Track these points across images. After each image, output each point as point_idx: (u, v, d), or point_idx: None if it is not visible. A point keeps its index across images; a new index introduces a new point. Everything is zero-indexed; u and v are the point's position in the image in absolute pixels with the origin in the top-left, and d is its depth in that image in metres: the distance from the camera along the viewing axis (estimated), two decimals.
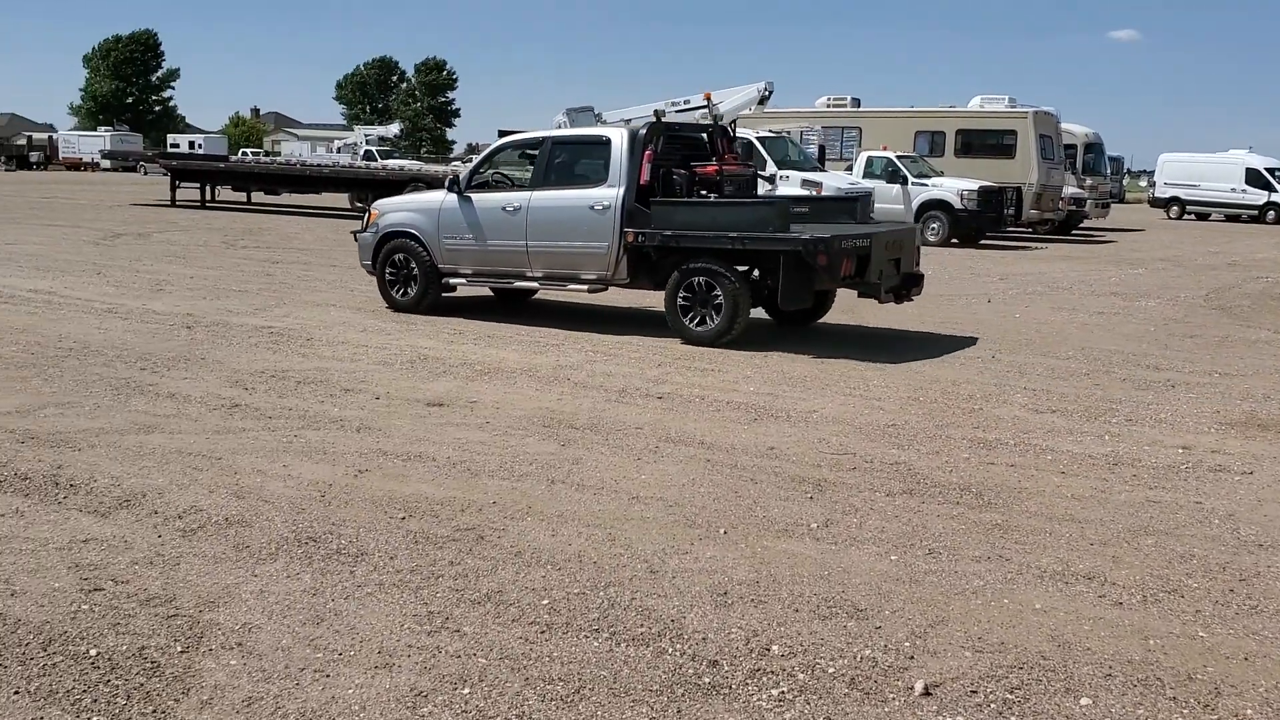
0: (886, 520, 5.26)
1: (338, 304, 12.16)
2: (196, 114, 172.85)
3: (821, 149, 24.42)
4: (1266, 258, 23.38)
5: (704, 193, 11.06)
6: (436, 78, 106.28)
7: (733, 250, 9.82)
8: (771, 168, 20.25)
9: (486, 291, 12.34)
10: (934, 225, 23.49)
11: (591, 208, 10.47)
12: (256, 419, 6.88)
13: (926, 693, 3.53)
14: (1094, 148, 34.30)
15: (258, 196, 34.57)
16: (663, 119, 11.10)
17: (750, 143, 20.73)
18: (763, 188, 20.05)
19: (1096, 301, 14.52)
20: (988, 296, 14.58)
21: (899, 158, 24.58)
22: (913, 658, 3.79)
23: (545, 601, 4.18)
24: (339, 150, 55.04)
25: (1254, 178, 40.10)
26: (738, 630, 3.97)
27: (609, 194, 10.40)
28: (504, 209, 10.97)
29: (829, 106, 28.69)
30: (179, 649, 3.73)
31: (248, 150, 70.60)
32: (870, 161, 24.59)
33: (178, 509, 5.14)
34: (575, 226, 10.59)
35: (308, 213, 30.80)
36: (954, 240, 23.67)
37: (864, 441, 6.74)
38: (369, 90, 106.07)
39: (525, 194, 10.95)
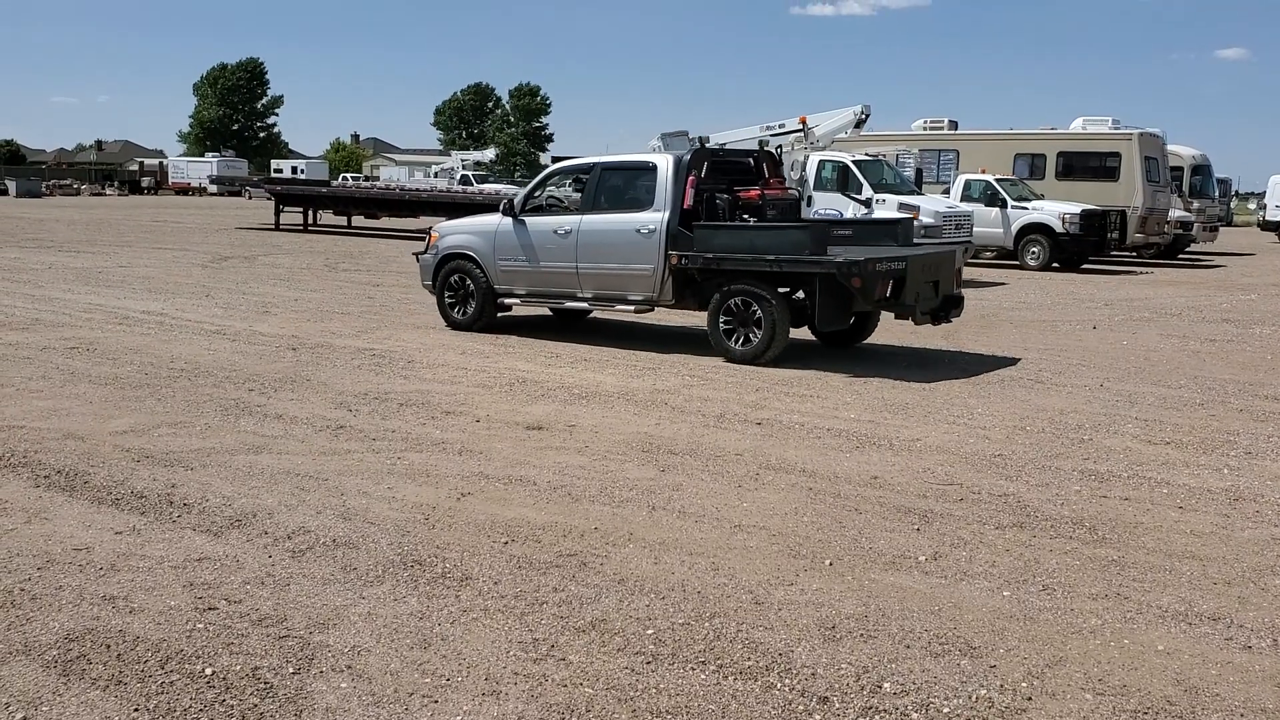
0: (997, 554, 5.12)
1: (437, 326, 12.33)
2: (299, 139, 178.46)
3: (919, 172, 24.12)
4: None
5: (746, 216, 11.28)
6: (530, 102, 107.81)
7: (772, 272, 10.07)
8: (868, 191, 20.06)
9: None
10: (1034, 249, 23.01)
11: (638, 231, 10.78)
12: (361, 441, 6.98)
13: None
14: (1201, 169, 33.27)
15: (357, 220, 35.33)
16: (706, 143, 11.36)
17: (847, 166, 20.57)
18: (859, 211, 19.90)
19: (1207, 328, 14.04)
20: (1093, 323, 14.19)
21: (998, 180, 24.14)
22: (1030, 699, 3.67)
23: (650, 631, 4.15)
24: (436, 175, 56.08)
25: None
26: (848, 665, 3.88)
27: (654, 218, 10.73)
28: (556, 232, 11.29)
29: (926, 129, 28.34)
30: (291, 670, 3.78)
31: (348, 175, 72.34)
32: (968, 185, 24.19)
33: (287, 529, 5.23)
34: (623, 249, 10.90)
35: (406, 237, 31.35)
36: (1055, 265, 23.14)
37: (970, 471, 6.58)
38: (465, 115, 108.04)
39: (576, 218, 11.30)
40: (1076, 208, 23.07)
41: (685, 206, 10.68)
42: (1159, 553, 5.18)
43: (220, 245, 25.51)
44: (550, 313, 12.80)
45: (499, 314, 12.12)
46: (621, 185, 11.32)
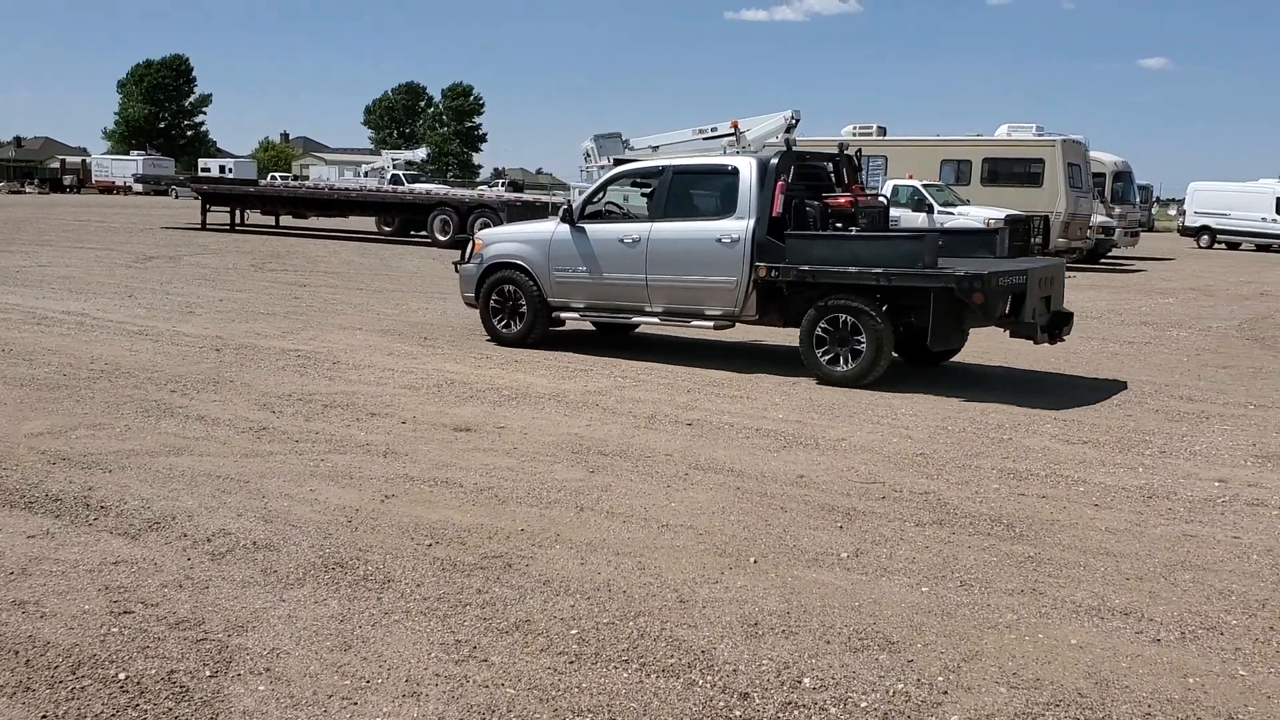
0: (917, 551, 5.20)
1: (364, 327, 12.21)
2: (227, 139, 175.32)
3: None
4: None
5: (838, 225, 10.57)
6: (463, 103, 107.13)
7: (875, 287, 9.28)
8: None
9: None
10: None
11: (719, 240, 10.02)
12: (284, 442, 6.89)
13: None
14: (1123, 176, 34.14)
15: (286, 220, 34.84)
16: (793, 148, 10.64)
17: None
18: None
19: (1126, 331, 14.40)
20: None
21: (925, 186, 24.52)
22: (946, 693, 3.73)
23: (574, 631, 4.15)
24: (366, 174, 55.51)
25: None
26: (769, 662, 3.92)
27: (738, 226, 9.96)
28: (621, 241, 10.57)
29: (855, 134, 28.69)
30: (208, 673, 3.72)
31: (276, 174, 71.30)
32: (896, 190, 24.54)
33: (207, 532, 5.15)
34: (700, 259, 10.15)
35: (335, 236, 31.01)
36: None
37: (893, 470, 6.68)
38: (396, 115, 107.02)
39: (645, 225, 10.55)
40: (1001, 213, 23.50)
41: (774, 214, 9.88)
42: (1074, 549, 5.30)
43: (145, 245, 24.99)
44: (593, 327, 12.01)
45: (551, 328, 11.38)
46: (697, 190, 10.69)
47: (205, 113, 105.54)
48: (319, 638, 4.04)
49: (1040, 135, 26.86)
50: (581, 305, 11.00)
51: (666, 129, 22.84)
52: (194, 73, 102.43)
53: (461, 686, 3.69)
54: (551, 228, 11.10)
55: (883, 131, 28.99)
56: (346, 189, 36.01)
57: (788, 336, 10.61)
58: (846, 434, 7.62)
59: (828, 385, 9.31)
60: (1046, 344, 9.85)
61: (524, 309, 11.14)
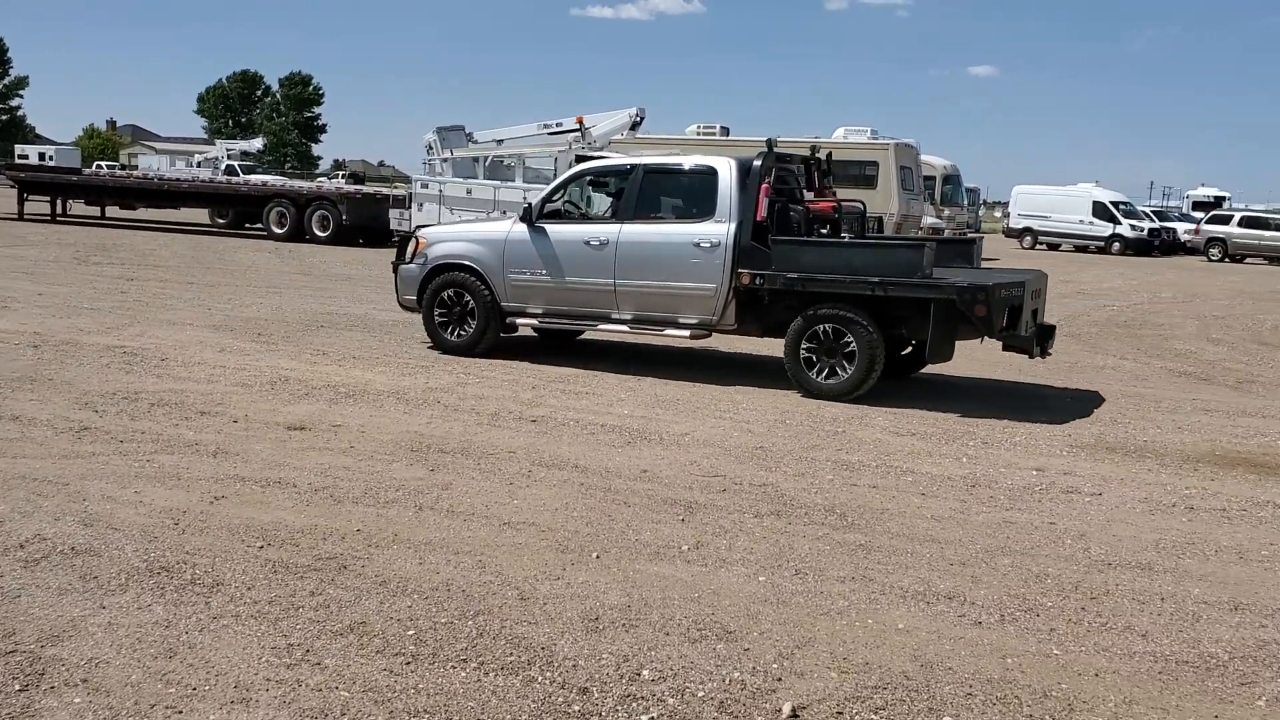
0: (755, 541, 5.31)
1: (195, 323, 11.75)
2: (48, 125, 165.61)
3: None
4: (1112, 287, 24.56)
5: (822, 231, 10.29)
6: (302, 92, 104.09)
7: (869, 297, 8.83)
8: None
9: (365, 311, 12.06)
10: None
11: (697, 244, 9.44)
12: (107, 443, 6.57)
13: (794, 715, 3.56)
14: (952, 179, 35.58)
15: (112, 211, 33.24)
16: (774, 147, 9.86)
17: None
18: None
19: None
20: None
21: None
22: (780, 679, 3.82)
23: (411, 632, 4.08)
24: (199, 165, 53.38)
25: (1100, 210, 42.09)
26: (609, 656, 3.94)
27: (717, 230, 9.40)
28: (587, 243, 9.90)
29: (699, 134, 29.09)
30: (17, 687, 3.52)
31: (103, 163, 67.83)
32: None
33: (19, 538, 4.86)
34: (676, 265, 9.57)
35: (166, 229, 29.72)
36: None
37: (734, 464, 6.80)
38: (232, 104, 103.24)
39: (614, 227, 9.88)
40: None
41: (758, 219, 9.34)
42: (902, 536, 5.50)
43: None
44: (534, 333, 11.13)
45: (503, 335, 10.63)
46: (671, 191, 10.15)
47: (22, 96, 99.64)
48: (142, 645, 3.86)
49: (874, 138, 27.76)
50: (539, 311, 10.30)
51: (511, 124, 22.68)
52: (9, 53, 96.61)
53: (293, 691, 3.59)
54: (507, 227, 10.45)
55: (726, 132, 29.46)
56: (178, 179, 34.62)
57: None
58: (690, 429, 7.73)
59: (814, 399, 8.91)
60: (1039, 358, 9.59)
61: (473, 314, 10.42)
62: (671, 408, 8.45)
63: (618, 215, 10.04)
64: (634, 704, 3.60)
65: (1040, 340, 9.26)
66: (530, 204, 10.41)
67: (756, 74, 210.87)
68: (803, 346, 9.06)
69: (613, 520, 5.55)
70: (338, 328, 12.02)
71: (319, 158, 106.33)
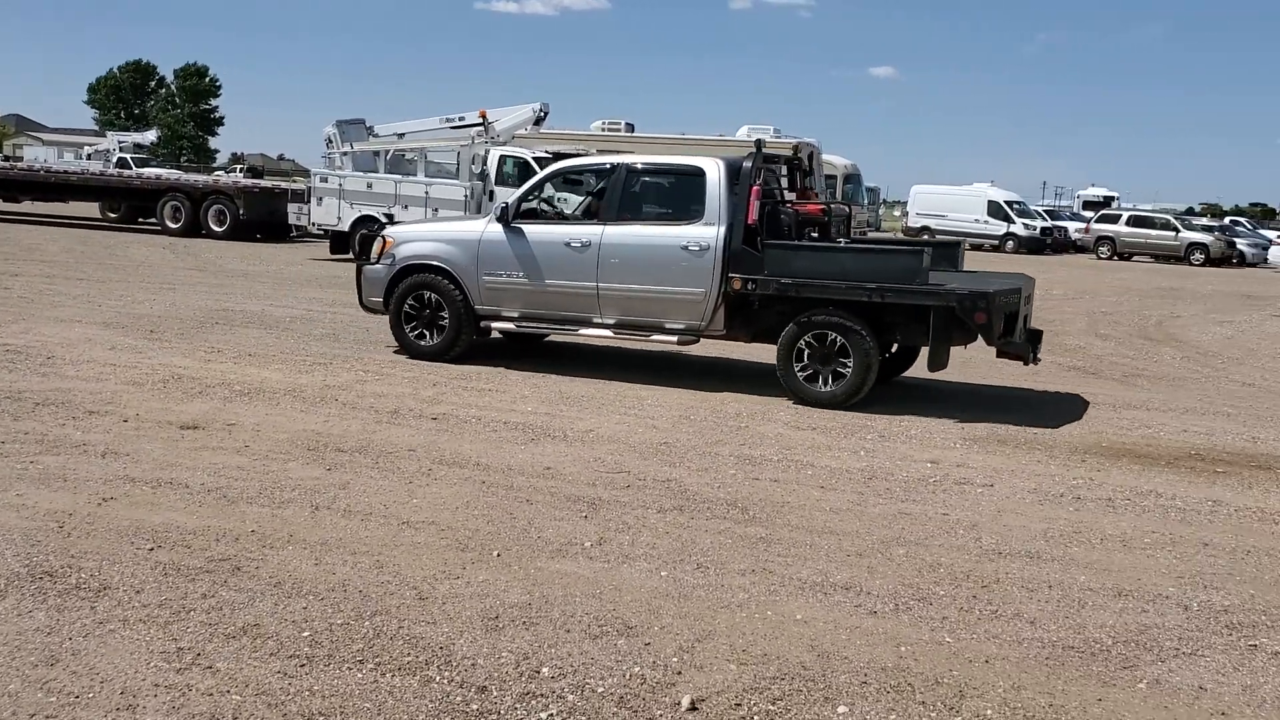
0: (658, 537, 5.33)
1: (84, 320, 11.36)
2: None
3: None
4: None
5: (813, 234, 10.04)
6: (198, 84, 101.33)
7: (866, 303, 8.67)
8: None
9: (261, 307, 11.78)
10: None
11: (685, 247, 9.15)
12: None
13: (693, 708, 3.59)
14: (853, 178, 36.12)
15: None
16: (763, 148, 9.63)
17: (528, 162, 20.78)
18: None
19: None
20: None
21: None
22: (680, 673, 3.84)
23: (306, 633, 4.01)
24: (89, 156, 51.55)
25: (995, 210, 43.17)
26: (508, 654, 3.92)
27: (706, 233, 9.11)
28: (568, 244, 9.55)
29: (604, 130, 29.10)
30: None
31: None
32: None
33: None
34: (663, 268, 9.27)
35: (53, 222, 28.70)
36: None
37: (638, 459, 6.82)
38: (124, 95, 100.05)
39: (596, 228, 9.53)
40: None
41: (749, 222, 9.07)
42: (801, 529, 5.57)
43: None
44: (499, 335, 10.51)
45: (476, 339, 10.19)
46: (656, 192, 9.82)
47: None
48: (21, 653, 3.73)
49: (778, 137, 28.06)
50: (515, 314, 9.91)
51: (413, 117, 22.37)
52: None
53: (183, 696, 3.49)
54: (480, 227, 10.06)
55: (630, 128, 29.51)
56: (66, 171, 33.36)
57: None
58: (594, 425, 7.72)
59: (806, 406, 8.71)
60: (1034, 365, 9.46)
61: (445, 318, 10.02)
62: (576, 404, 8.43)
63: (600, 216, 9.69)
64: (533, 701, 3.59)
65: (1032, 345, 9.24)
66: (506, 203, 10.02)
67: (661, 71, 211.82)
68: (796, 354, 8.88)
69: (514, 518, 5.52)
70: (234, 325, 11.74)
71: (216, 151, 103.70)
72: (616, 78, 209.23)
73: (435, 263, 10.07)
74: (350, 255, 21.65)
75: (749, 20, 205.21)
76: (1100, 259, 39.86)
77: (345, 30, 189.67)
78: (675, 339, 9.49)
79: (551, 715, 3.51)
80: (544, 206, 10.27)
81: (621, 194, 9.60)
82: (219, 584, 4.43)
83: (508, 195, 21.37)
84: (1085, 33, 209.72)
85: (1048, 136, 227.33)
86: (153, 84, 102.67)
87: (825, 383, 8.80)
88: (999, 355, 9.10)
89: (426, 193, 21.08)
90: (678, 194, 9.59)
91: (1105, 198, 58.90)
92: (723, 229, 9.09)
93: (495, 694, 3.63)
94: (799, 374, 8.88)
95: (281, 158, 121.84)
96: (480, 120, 21.04)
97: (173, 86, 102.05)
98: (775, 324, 9.10)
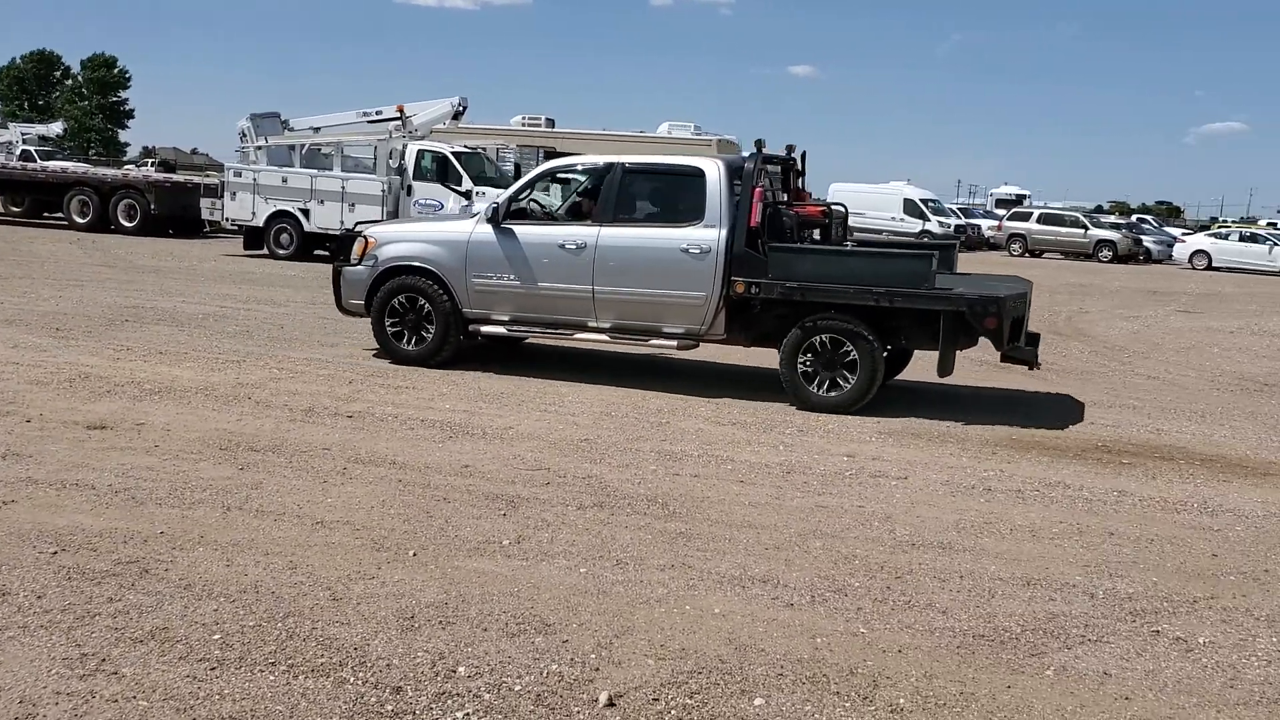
0: (577, 534, 5.32)
1: None
2: None
3: (517, 166, 24.58)
4: None
5: (815, 238, 9.86)
6: (106, 75, 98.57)
7: (873, 308, 8.55)
8: (468, 183, 20.19)
9: (178, 304, 11.49)
10: None
11: (685, 250, 8.95)
12: None
13: (611, 704, 3.59)
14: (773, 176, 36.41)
15: None
16: (763, 149, 9.42)
17: (447, 157, 20.59)
18: (459, 203, 19.97)
19: None
20: None
21: None
22: (598, 669, 3.84)
23: (216, 636, 3.92)
24: None
25: (910, 207, 43.79)
26: (424, 654, 3.88)
27: (708, 235, 8.92)
28: (562, 246, 9.28)
29: (524, 125, 29.00)
30: None
31: None
32: None
33: None
34: (663, 271, 9.06)
35: None
36: None
37: (558, 456, 6.80)
38: (27, 85, 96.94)
39: (592, 229, 9.27)
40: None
41: (752, 224, 8.86)
42: (721, 523, 5.61)
43: None
44: (481, 339, 9.98)
45: (465, 342, 9.89)
46: (654, 193, 9.59)
47: None
48: None
49: (698, 134, 28.23)
50: (506, 317, 9.63)
51: (330, 111, 22.03)
52: None
53: (86, 703, 3.40)
54: (469, 227, 9.73)
55: (551, 123, 29.48)
56: None
57: None
58: (514, 422, 7.68)
59: (810, 411, 8.58)
60: (1036, 369, 9.46)
61: (431, 321, 9.72)
62: (495, 402, 8.38)
63: (595, 217, 9.43)
64: (449, 701, 3.56)
65: (1034, 351, 9.21)
66: (496, 203, 9.70)
67: (582, 67, 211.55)
68: (800, 358, 8.73)
69: (431, 517, 5.47)
70: (144, 322, 11.45)
71: (127, 144, 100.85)
72: (538, 74, 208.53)
73: (421, 264, 9.75)
74: (265, 251, 21.34)
75: (670, 17, 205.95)
76: (1012, 256, 40.72)
77: (261, 22, 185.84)
78: (674, 343, 9.30)
79: (468, 715, 3.48)
80: (535, 207, 10.08)
81: (617, 194, 9.38)
82: (126, 587, 4.32)
83: (426, 191, 21.12)
84: (999, 32, 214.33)
85: (963, 135, 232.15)
86: (58, 74, 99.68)
87: (830, 388, 8.68)
88: (1003, 360, 9.06)
89: (343, 187, 20.79)
90: (676, 195, 9.38)
91: (1017, 196, 60.32)
92: (724, 231, 8.90)
93: (410, 694, 3.59)
94: (803, 379, 8.75)
95: (195, 152, 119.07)
96: (398, 115, 20.82)
97: (80, 77, 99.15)
98: (776, 328, 8.98)
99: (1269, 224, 54.62)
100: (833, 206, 10.62)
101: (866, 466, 6.95)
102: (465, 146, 21.48)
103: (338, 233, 20.96)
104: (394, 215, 20.46)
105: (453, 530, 5.29)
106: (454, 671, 3.76)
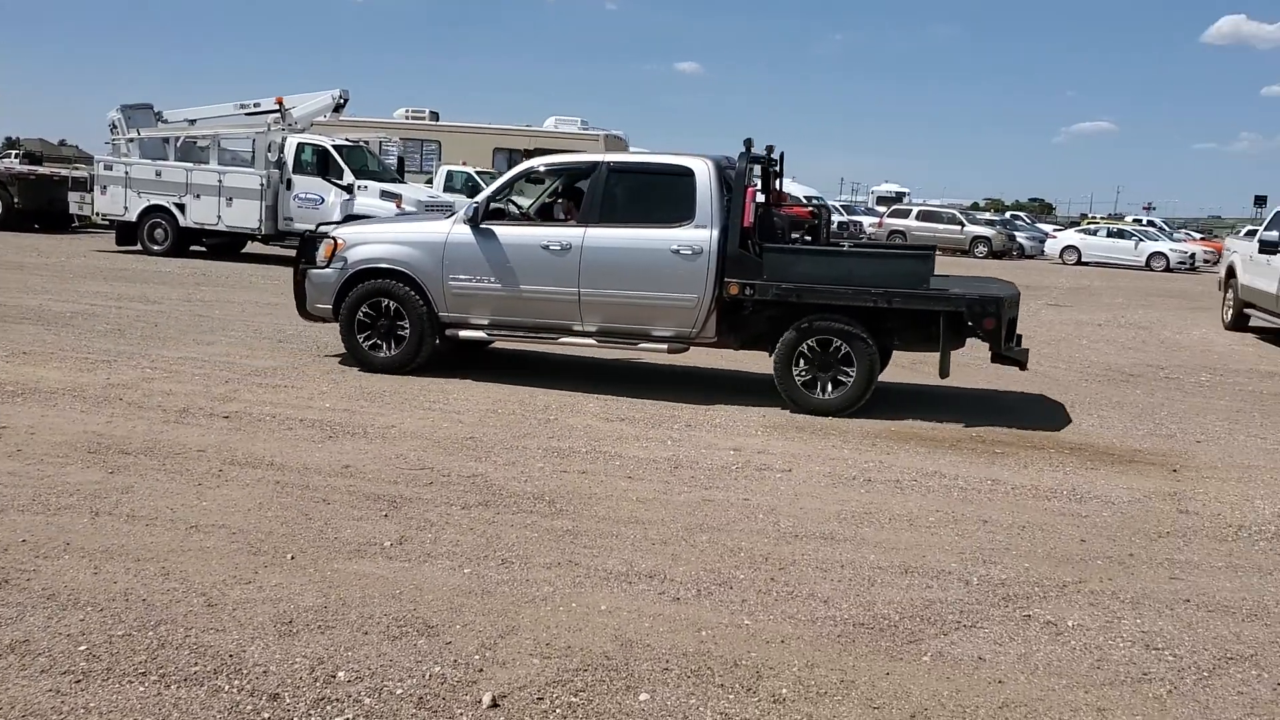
0: (462, 533, 5.27)
1: None
2: None
3: (400, 160, 24.21)
4: None
5: (807, 239, 9.58)
6: None
7: (870, 309, 8.52)
8: (349, 177, 19.79)
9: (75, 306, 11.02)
10: None
11: (675, 251, 8.76)
12: None
13: (494, 704, 3.56)
14: None
15: None
16: (752, 148, 9.13)
17: (328, 151, 20.17)
18: (340, 197, 19.59)
19: None
20: None
21: (479, 173, 24.91)
22: (482, 670, 3.81)
23: (82, 647, 3.77)
24: None
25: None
26: (302, 659, 3.79)
27: (699, 236, 8.73)
28: (545, 247, 9.00)
29: (408, 118, 28.59)
30: None
31: None
32: (450, 175, 24.74)
33: None
34: (652, 273, 8.84)
35: None
36: None
37: (442, 455, 6.72)
38: None
39: (577, 230, 9.02)
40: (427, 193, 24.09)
41: (745, 224, 8.70)
42: (608, 520, 5.61)
43: None
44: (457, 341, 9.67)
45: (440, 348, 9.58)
46: (641, 192, 9.25)
47: None
48: None
49: (585, 129, 28.20)
50: (485, 322, 9.33)
51: (205, 103, 21.38)
52: None
53: None
54: (446, 228, 9.35)
55: (435, 117, 29.12)
56: None
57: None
58: (396, 421, 7.56)
59: (804, 413, 8.51)
60: (1026, 370, 9.56)
61: (404, 327, 9.34)
62: (376, 400, 8.24)
63: (580, 217, 9.20)
64: (328, 706, 3.48)
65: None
66: (475, 203, 9.38)
67: (468, 60, 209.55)
68: (795, 360, 8.67)
69: (310, 519, 5.35)
70: (6, 320, 10.96)
71: None
72: (421, 66, 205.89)
73: (395, 267, 9.36)
74: (139, 247, 20.62)
75: (557, 12, 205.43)
76: None
77: (134, 9, 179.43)
78: (665, 347, 9.10)
79: (348, 719, 3.41)
80: (512, 208, 9.82)
81: (603, 194, 9.14)
82: None
83: (307, 184, 20.65)
84: (880, 33, 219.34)
85: (845, 133, 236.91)
86: None
87: (824, 389, 8.64)
88: (994, 361, 9.07)
89: (220, 181, 20.22)
90: (664, 195, 9.11)
91: (897, 193, 61.67)
92: (716, 232, 8.76)
93: (288, 701, 3.50)
94: (798, 381, 8.68)
95: (63, 143, 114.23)
96: (277, 107, 20.33)
97: None
98: (769, 330, 8.90)
99: (1135, 220, 57.02)
100: (820, 208, 10.71)
101: (752, 460, 7.03)
102: (347, 140, 21.05)
103: (217, 228, 20.45)
104: (272, 210, 19.99)
105: (332, 532, 5.18)
106: (333, 676, 3.68)
